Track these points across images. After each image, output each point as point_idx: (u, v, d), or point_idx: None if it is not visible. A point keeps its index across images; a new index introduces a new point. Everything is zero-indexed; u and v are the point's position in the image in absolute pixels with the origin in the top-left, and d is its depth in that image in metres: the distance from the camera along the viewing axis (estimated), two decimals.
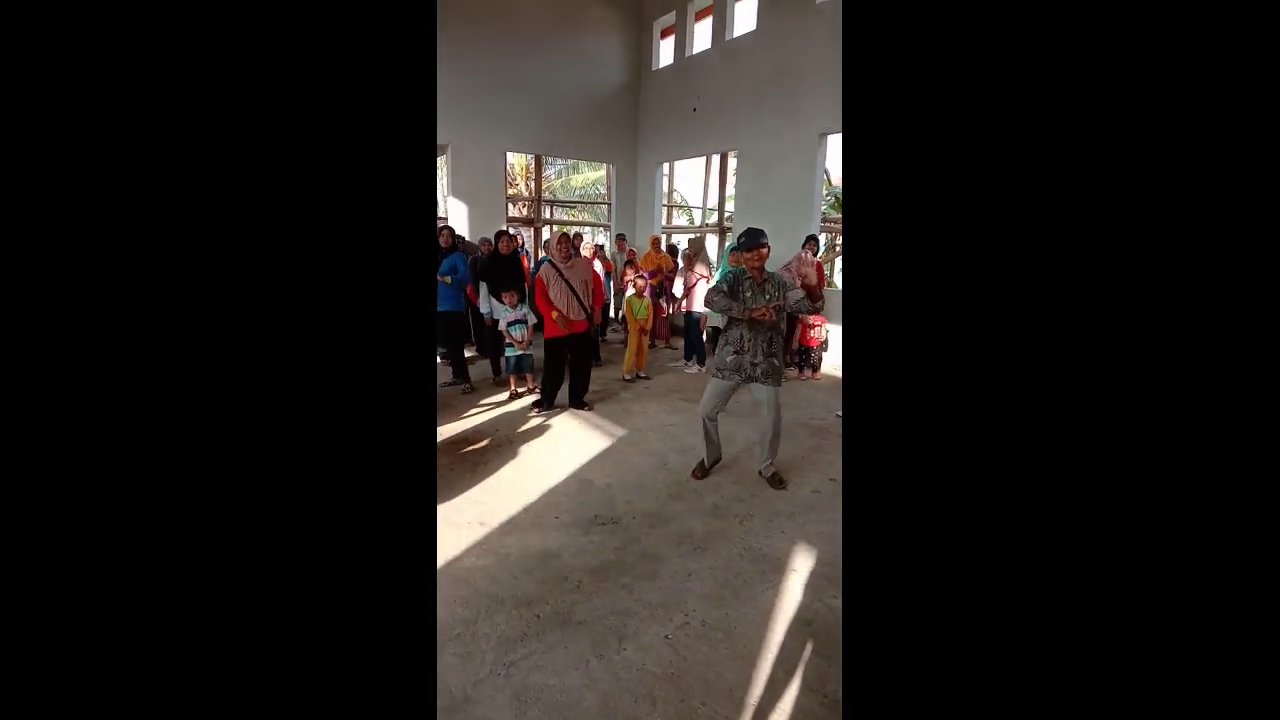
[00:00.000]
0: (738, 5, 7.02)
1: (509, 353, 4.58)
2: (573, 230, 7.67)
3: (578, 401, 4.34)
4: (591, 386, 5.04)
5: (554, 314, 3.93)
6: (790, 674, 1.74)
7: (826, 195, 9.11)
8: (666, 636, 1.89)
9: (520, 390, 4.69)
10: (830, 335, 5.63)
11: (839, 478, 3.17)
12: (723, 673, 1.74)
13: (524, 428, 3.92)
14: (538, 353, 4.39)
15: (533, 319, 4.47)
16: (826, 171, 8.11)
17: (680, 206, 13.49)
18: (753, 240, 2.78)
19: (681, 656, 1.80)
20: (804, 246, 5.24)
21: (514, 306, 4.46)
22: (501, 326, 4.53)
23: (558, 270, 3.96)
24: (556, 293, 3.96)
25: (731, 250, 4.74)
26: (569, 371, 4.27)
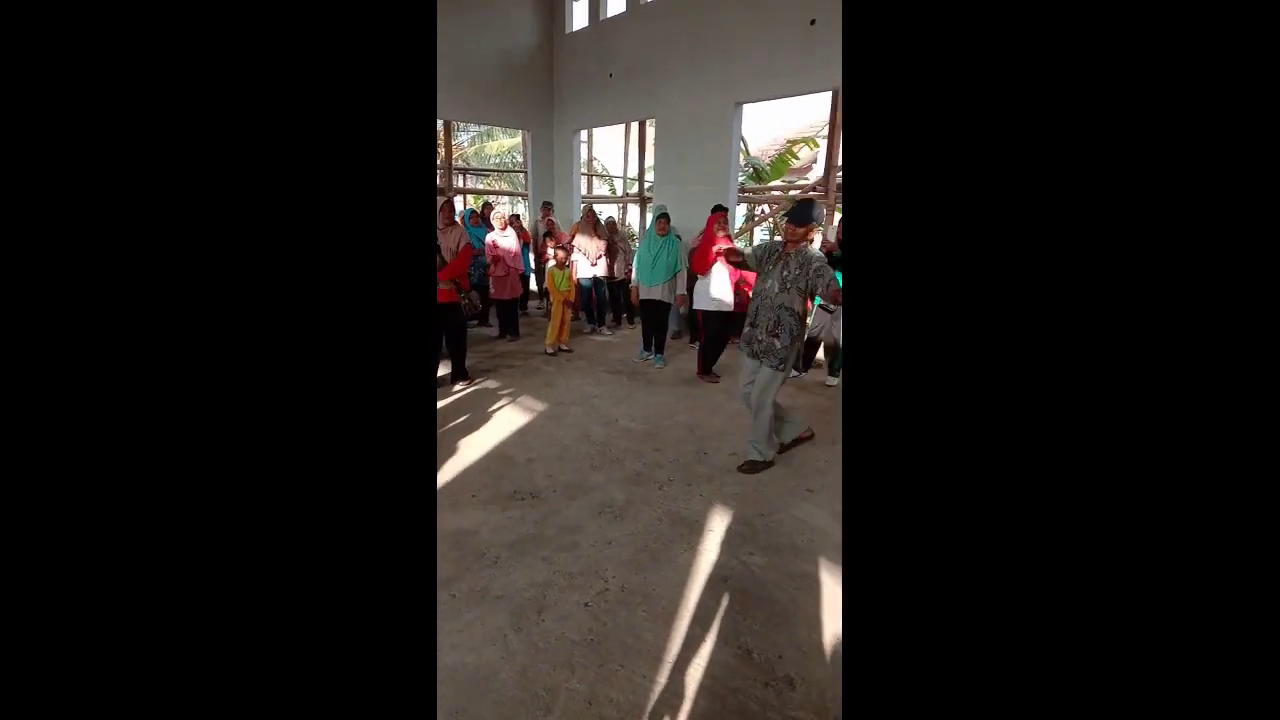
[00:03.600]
0: None
1: None
2: (488, 200, 7.38)
3: (458, 374, 4.27)
4: (513, 361, 4.93)
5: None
6: (706, 629, 1.80)
7: (745, 166, 9.24)
8: (586, 604, 1.90)
9: None
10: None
11: None
12: (641, 634, 1.77)
13: (439, 406, 3.78)
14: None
15: None
16: (744, 141, 8.20)
17: (601, 175, 13.29)
18: (797, 217, 2.60)
19: (601, 622, 1.82)
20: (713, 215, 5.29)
21: None
22: None
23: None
24: None
25: (658, 218, 4.75)
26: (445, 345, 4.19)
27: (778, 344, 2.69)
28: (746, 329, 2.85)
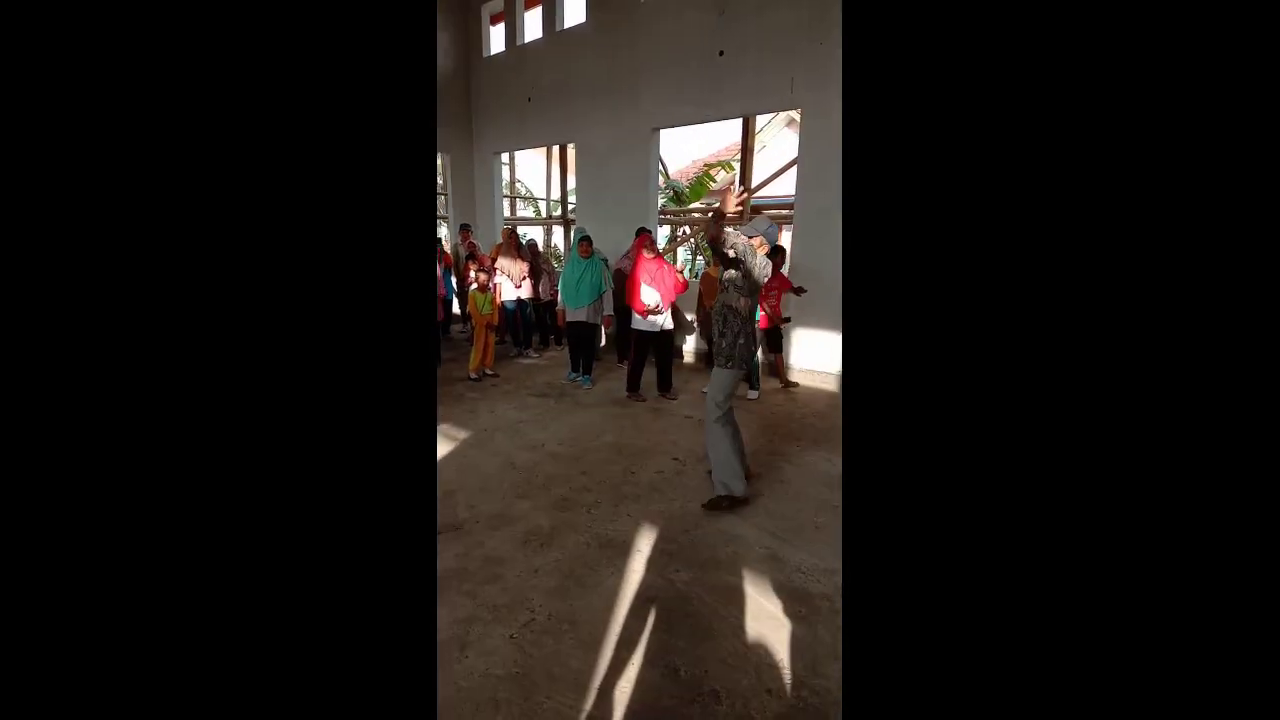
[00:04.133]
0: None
1: None
2: None
3: None
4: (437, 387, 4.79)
5: None
6: (633, 651, 1.81)
7: (664, 188, 9.48)
8: (511, 636, 1.86)
9: None
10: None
11: (683, 458, 3.34)
12: (568, 663, 1.75)
13: None
14: None
15: None
16: (663, 164, 8.42)
17: (525, 198, 13.23)
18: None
19: (526, 654, 1.79)
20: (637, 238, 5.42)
21: None
22: None
23: None
24: None
25: (580, 240, 4.78)
26: None
27: (724, 343, 2.75)
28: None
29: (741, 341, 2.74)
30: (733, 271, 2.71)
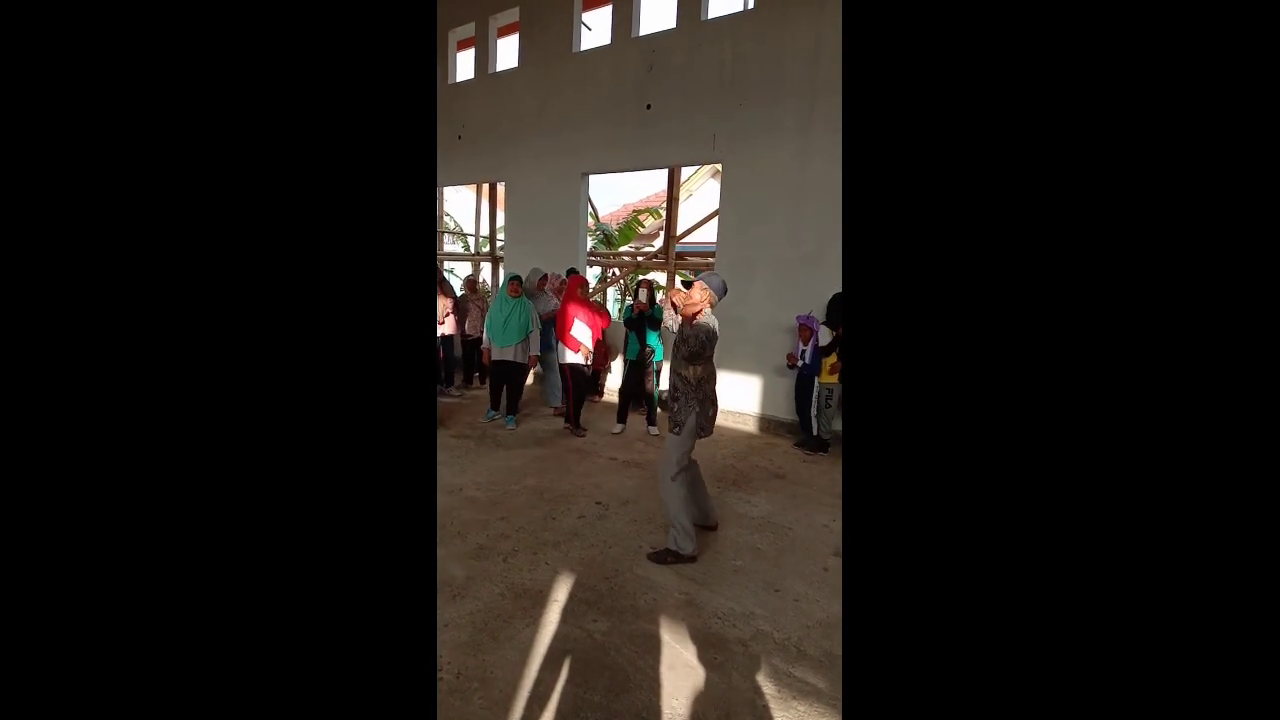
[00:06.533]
0: (500, 41, 7.12)
1: None
2: None
3: None
4: None
5: None
6: (544, 708, 1.75)
7: (595, 230, 9.65)
8: None
9: None
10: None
11: (606, 501, 3.32)
12: None
13: None
14: None
15: None
16: (594, 206, 8.59)
17: (455, 233, 13.05)
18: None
19: None
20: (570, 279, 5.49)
21: None
22: None
23: None
24: None
25: (510, 280, 4.76)
26: None
27: (676, 406, 2.70)
28: None
29: (698, 410, 2.65)
30: (680, 337, 2.65)
